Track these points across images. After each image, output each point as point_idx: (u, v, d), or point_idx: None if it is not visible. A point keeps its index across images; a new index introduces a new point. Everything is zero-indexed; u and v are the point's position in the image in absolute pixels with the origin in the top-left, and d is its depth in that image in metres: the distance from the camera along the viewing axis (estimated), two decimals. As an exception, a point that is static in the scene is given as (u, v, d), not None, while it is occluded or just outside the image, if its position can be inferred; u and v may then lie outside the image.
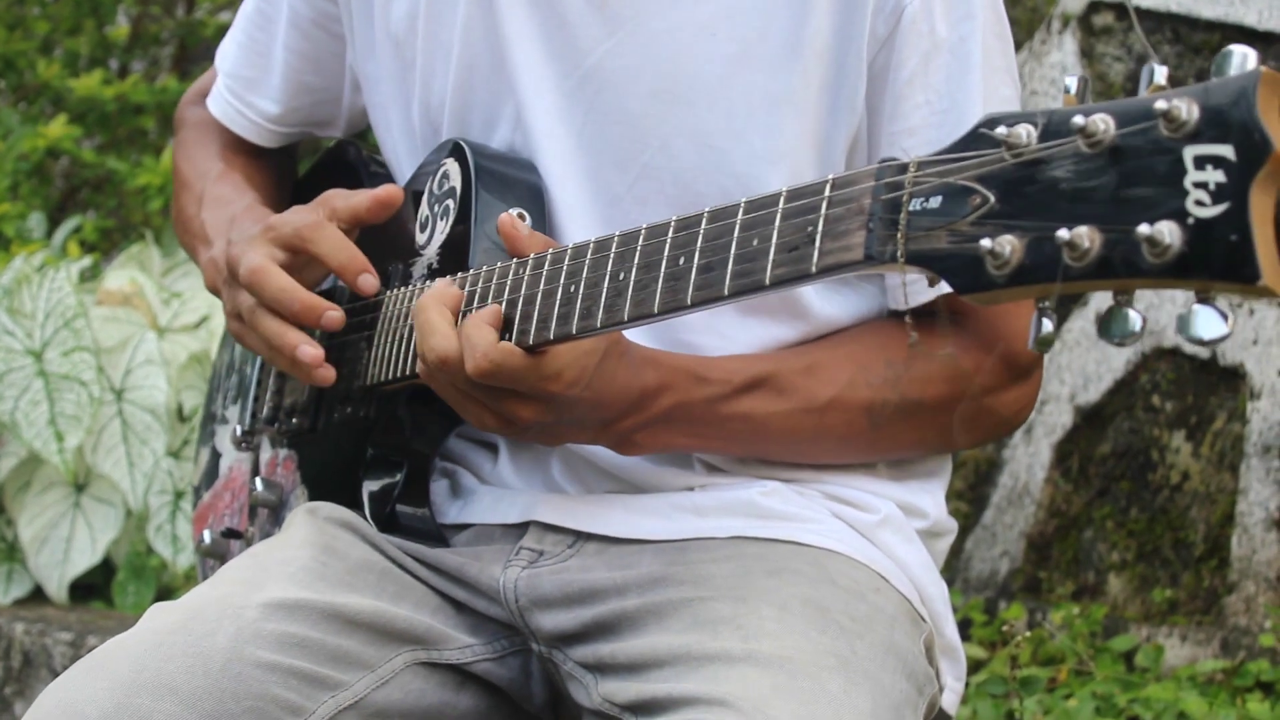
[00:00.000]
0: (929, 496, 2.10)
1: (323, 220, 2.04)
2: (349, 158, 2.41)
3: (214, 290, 2.23)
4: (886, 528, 2.04)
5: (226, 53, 2.42)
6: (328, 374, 2.04)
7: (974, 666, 3.27)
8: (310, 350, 2.03)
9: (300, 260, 2.06)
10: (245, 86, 2.39)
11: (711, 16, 1.98)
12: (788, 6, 1.96)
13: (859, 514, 2.04)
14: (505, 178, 2.05)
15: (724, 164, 1.99)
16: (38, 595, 4.14)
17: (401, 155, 2.21)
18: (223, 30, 2.46)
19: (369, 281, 2.02)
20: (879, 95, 1.97)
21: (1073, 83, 1.36)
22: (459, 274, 1.96)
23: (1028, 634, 3.24)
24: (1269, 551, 3.17)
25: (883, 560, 2.02)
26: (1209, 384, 3.35)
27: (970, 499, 3.68)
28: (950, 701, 2.09)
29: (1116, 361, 3.48)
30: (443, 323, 1.85)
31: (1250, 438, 3.24)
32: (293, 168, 2.51)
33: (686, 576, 1.94)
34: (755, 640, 1.81)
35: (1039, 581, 3.52)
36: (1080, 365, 3.51)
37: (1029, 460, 3.59)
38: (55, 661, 3.69)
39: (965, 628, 3.43)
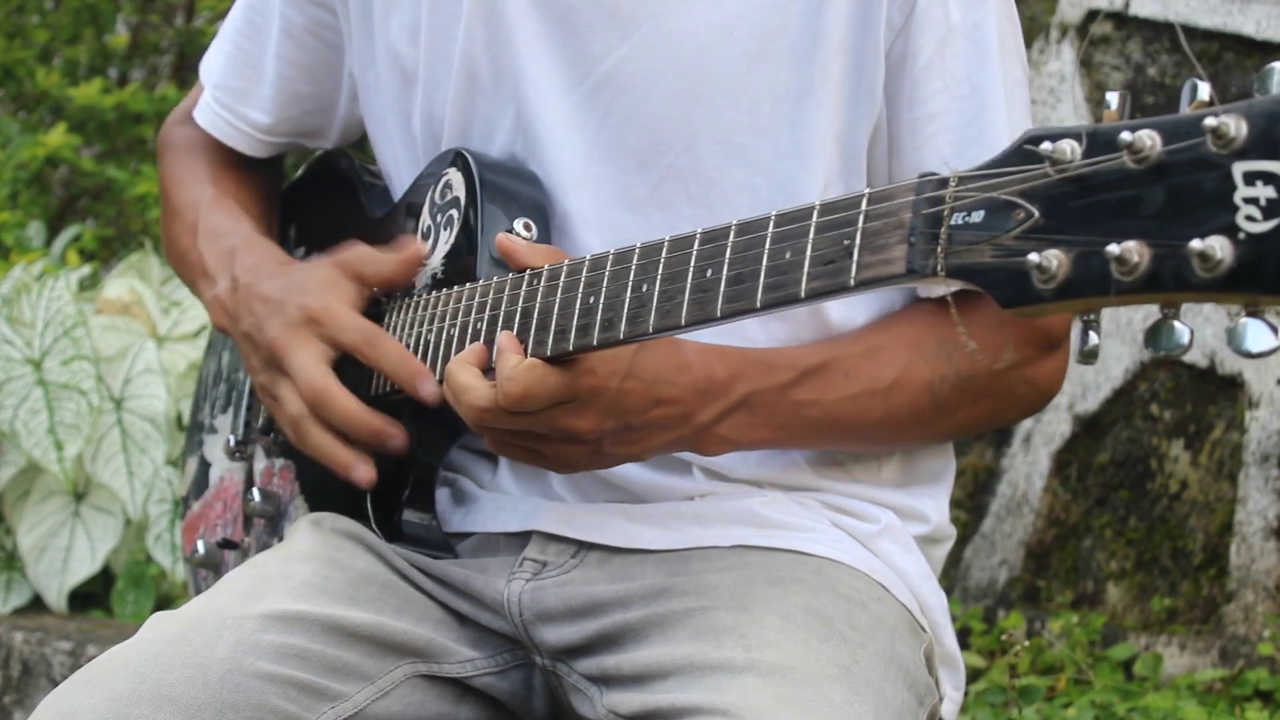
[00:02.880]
0: (932, 501, 2.11)
1: (381, 332, 2.05)
2: (340, 167, 2.39)
3: (222, 329, 2.22)
4: (886, 537, 2.05)
5: (213, 65, 2.41)
6: (372, 479, 2.06)
7: (973, 675, 3.27)
8: (367, 471, 2.04)
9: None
10: (235, 97, 2.37)
11: (728, 15, 1.99)
12: (803, 0, 1.97)
13: (859, 523, 2.05)
14: (509, 187, 2.05)
15: (749, 161, 2.00)
16: (37, 604, 4.14)
17: (401, 165, 2.21)
18: (223, 38, 2.44)
19: (431, 389, 2.00)
20: (897, 83, 1.99)
21: (1114, 99, 1.38)
22: (469, 285, 1.96)
23: (1026, 643, 3.25)
24: (1268, 560, 3.17)
25: (883, 570, 2.02)
26: (1207, 393, 3.36)
27: (969, 508, 3.68)
28: (950, 711, 2.09)
29: (1115, 370, 3.48)
30: (470, 377, 1.84)
31: (1249, 447, 3.25)
32: (280, 179, 2.49)
33: (689, 587, 1.94)
34: (758, 650, 1.81)
35: (1038, 590, 3.52)
36: (1079, 374, 3.52)
37: (1028, 469, 3.59)
38: (54, 671, 3.69)
39: (964, 636, 3.43)
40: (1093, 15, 3.66)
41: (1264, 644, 3.08)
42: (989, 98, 1.98)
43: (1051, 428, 3.56)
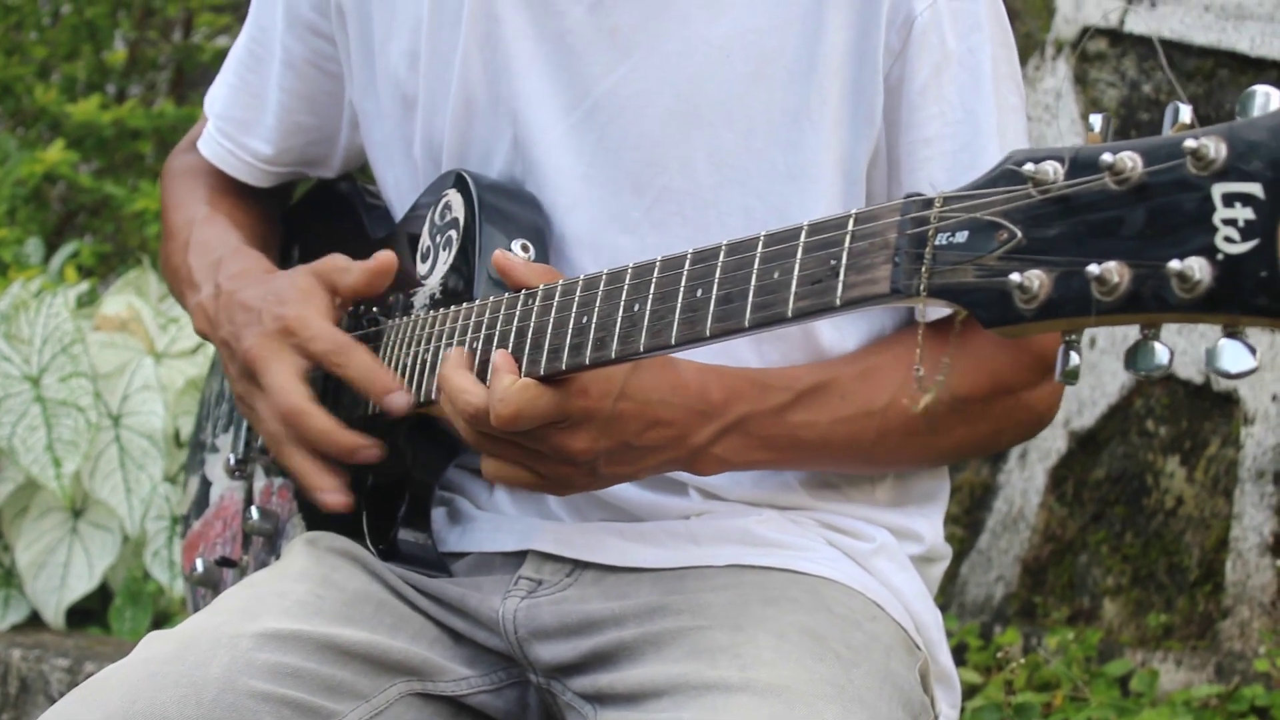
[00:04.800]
0: (926, 521, 2.11)
1: (352, 343, 2.05)
2: (342, 190, 2.40)
3: (203, 335, 2.23)
4: (881, 556, 2.05)
5: (217, 96, 2.41)
6: (341, 504, 2.06)
7: (969, 691, 3.27)
8: (338, 499, 2.05)
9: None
10: (238, 128, 2.37)
11: (725, 38, 2.00)
12: (801, 24, 1.99)
13: (854, 542, 2.05)
14: (507, 208, 2.05)
15: (745, 183, 2.00)
16: (35, 621, 4.14)
17: (404, 191, 2.21)
18: (220, 55, 2.45)
19: (400, 400, 2.01)
20: (895, 107, 2.00)
21: (1097, 121, 1.39)
22: (465, 305, 1.96)
23: (1023, 659, 3.24)
24: (1263, 576, 3.18)
25: (878, 588, 2.03)
26: (1203, 409, 3.36)
27: (965, 523, 3.68)
28: (946, 728, 2.10)
29: (1111, 387, 3.49)
30: (465, 380, 1.84)
31: (1244, 463, 3.25)
32: (283, 205, 2.50)
33: (684, 606, 1.94)
34: (753, 669, 1.81)
35: (1034, 606, 3.52)
36: (1074, 390, 3.52)
37: (1024, 485, 3.59)
38: (52, 688, 3.69)
39: (960, 653, 3.43)
40: (1088, 32, 3.66)
41: (1260, 660, 3.09)
42: (982, 124, 1.99)
43: (1047, 444, 3.56)
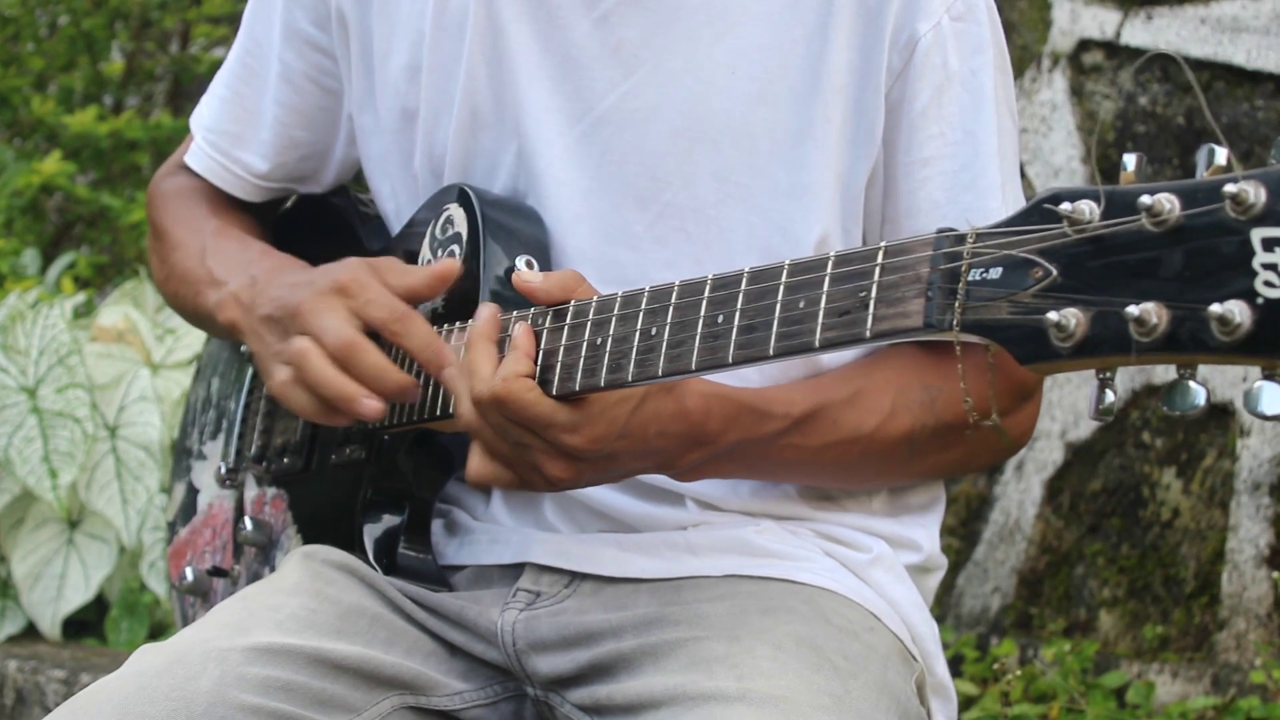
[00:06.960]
0: (923, 530, 2.12)
1: (412, 311, 1.98)
2: (334, 201, 2.38)
3: (232, 326, 2.15)
4: (878, 566, 2.05)
5: (206, 110, 2.37)
6: (381, 410, 1.98)
7: (966, 703, 3.27)
8: (374, 403, 1.96)
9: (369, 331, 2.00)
10: (230, 141, 2.34)
11: (731, 55, 2.01)
12: (806, 43, 1.99)
13: (851, 553, 2.05)
14: (510, 224, 2.05)
15: (748, 200, 2.01)
16: (31, 632, 4.13)
17: (401, 204, 2.20)
18: (217, 66, 2.41)
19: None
20: (895, 127, 2.00)
21: (1130, 160, 1.39)
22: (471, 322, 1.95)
23: (1019, 671, 3.25)
24: (1259, 588, 3.18)
25: (875, 599, 2.03)
26: (1199, 421, 3.36)
27: (962, 535, 3.68)
28: (943, 740, 2.10)
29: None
30: (488, 363, 1.82)
31: (1240, 475, 3.25)
32: (271, 222, 2.46)
33: (682, 616, 1.94)
34: (750, 680, 1.81)
35: (1030, 618, 3.52)
36: (1071, 402, 3.52)
37: (1020, 497, 3.59)
38: (48, 699, 3.69)
39: (957, 664, 3.43)
40: (1084, 44, 3.67)
41: (1256, 672, 3.09)
42: (982, 145, 1.99)
43: (1044, 455, 3.57)
